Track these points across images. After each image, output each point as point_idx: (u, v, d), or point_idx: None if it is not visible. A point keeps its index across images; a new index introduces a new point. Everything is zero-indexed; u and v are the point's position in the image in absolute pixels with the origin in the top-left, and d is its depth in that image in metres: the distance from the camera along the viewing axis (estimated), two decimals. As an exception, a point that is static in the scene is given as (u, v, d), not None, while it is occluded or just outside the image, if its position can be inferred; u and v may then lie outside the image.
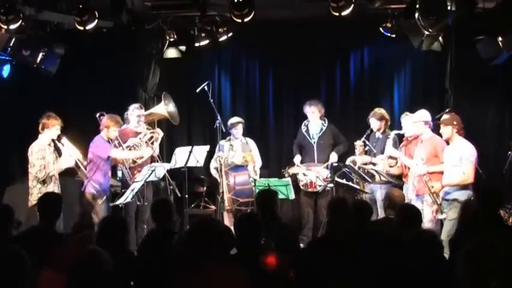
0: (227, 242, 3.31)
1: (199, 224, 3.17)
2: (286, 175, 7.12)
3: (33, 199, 6.08)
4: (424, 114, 6.26)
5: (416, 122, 6.26)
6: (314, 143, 7.32)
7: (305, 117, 7.51)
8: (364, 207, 4.72)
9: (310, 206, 7.28)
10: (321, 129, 7.35)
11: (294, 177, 7.15)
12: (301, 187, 7.13)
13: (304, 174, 7.11)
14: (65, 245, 3.39)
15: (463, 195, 5.62)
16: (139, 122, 6.96)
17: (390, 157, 6.62)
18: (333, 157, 7.25)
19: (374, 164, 6.75)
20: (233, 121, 7.46)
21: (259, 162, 7.53)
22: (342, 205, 4.35)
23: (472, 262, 1.93)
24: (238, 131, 7.41)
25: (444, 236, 5.33)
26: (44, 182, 6.13)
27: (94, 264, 2.62)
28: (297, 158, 7.36)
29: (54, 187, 6.21)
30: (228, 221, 7.24)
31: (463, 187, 5.69)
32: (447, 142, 5.96)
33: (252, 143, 7.55)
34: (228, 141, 7.42)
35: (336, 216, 4.21)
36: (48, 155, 6.21)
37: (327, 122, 7.40)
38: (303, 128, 7.45)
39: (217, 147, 7.29)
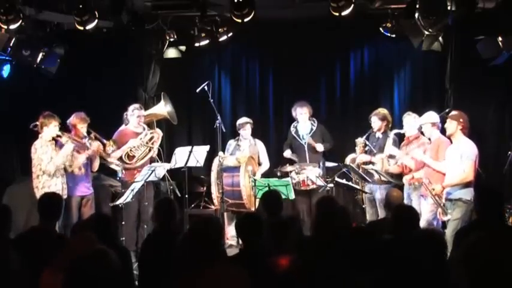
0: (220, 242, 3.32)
1: (197, 225, 3.17)
2: (278, 174, 7.13)
3: (39, 193, 6.09)
4: (432, 116, 6.25)
5: (424, 124, 6.26)
6: (305, 143, 7.32)
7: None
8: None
9: (305, 205, 7.27)
10: (311, 129, 7.35)
11: (287, 177, 7.14)
12: (294, 186, 7.10)
13: (297, 173, 7.10)
14: (66, 245, 3.39)
15: (466, 194, 5.60)
16: (140, 122, 6.96)
17: (390, 156, 6.62)
18: (319, 147, 7.25)
19: (373, 164, 6.75)
20: (241, 121, 7.47)
21: (266, 164, 7.53)
22: (330, 205, 4.36)
23: (471, 260, 1.92)
24: (246, 131, 7.41)
25: (448, 235, 5.32)
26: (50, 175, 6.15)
27: (101, 263, 2.62)
28: (287, 152, 7.37)
29: (59, 177, 6.21)
30: (227, 221, 7.26)
31: (466, 186, 5.67)
32: (450, 138, 5.95)
33: (260, 145, 7.55)
34: (236, 140, 7.43)
35: (323, 216, 4.22)
36: (51, 151, 6.23)
37: (316, 122, 7.40)
38: (292, 130, 7.45)
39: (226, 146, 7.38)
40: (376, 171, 6.62)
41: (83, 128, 6.45)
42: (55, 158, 6.20)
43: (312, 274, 3.01)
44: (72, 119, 6.47)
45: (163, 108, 7.33)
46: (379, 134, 6.93)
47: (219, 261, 2.99)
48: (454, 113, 5.97)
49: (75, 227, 4.81)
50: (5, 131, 7.82)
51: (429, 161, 6.06)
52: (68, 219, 6.27)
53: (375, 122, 6.89)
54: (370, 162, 6.79)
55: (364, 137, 6.89)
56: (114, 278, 2.59)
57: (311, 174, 7.01)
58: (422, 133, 6.47)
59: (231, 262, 3.56)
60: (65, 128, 6.46)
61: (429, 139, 6.35)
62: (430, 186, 5.81)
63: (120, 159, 6.77)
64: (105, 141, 6.45)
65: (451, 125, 5.82)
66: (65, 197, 6.26)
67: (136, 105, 7.03)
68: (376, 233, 3.49)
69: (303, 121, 7.34)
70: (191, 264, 2.99)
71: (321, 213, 4.32)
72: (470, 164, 5.68)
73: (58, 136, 6.27)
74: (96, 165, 6.65)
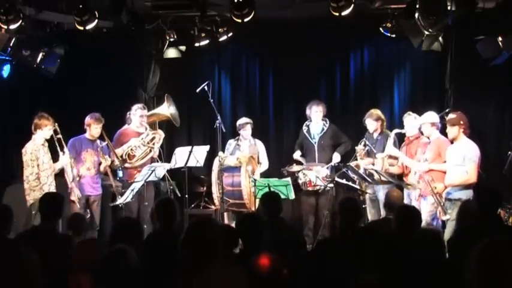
0: (225, 242, 3.30)
1: (194, 225, 3.17)
2: (285, 173, 7.12)
3: (30, 198, 6.12)
4: (431, 116, 6.25)
5: (424, 123, 6.25)
6: (315, 143, 7.32)
7: (305, 117, 7.51)
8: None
9: (310, 206, 7.27)
10: (322, 129, 7.35)
11: (294, 177, 7.15)
12: (300, 186, 7.12)
13: (304, 174, 7.11)
14: (70, 246, 3.41)
15: (466, 195, 5.59)
16: (142, 122, 6.97)
17: (390, 156, 6.62)
18: (336, 158, 7.23)
19: (373, 164, 6.75)
20: (241, 122, 7.46)
21: (265, 165, 7.53)
22: (353, 205, 4.37)
23: (487, 262, 1.91)
24: (246, 131, 7.40)
25: (447, 235, 5.33)
26: (39, 182, 6.15)
27: (122, 262, 2.64)
28: (297, 153, 7.36)
29: (52, 182, 6.26)
30: (227, 221, 7.25)
31: (466, 187, 5.66)
32: (452, 142, 5.94)
33: (260, 145, 7.55)
34: (236, 140, 7.43)
35: (347, 216, 4.23)
36: (43, 155, 6.23)
37: (328, 122, 7.40)
38: (304, 129, 7.45)
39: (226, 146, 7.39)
40: (376, 171, 6.61)
41: (97, 128, 6.50)
42: (43, 167, 6.18)
43: (325, 274, 3.01)
44: (87, 120, 6.54)
45: (166, 110, 7.33)
46: (376, 135, 6.94)
47: (218, 261, 2.99)
48: (452, 116, 5.95)
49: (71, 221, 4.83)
50: (5, 131, 7.81)
51: (436, 166, 6.03)
52: None
53: (370, 124, 6.90)
54: (372, 164, 6.79)
55: (363, 142, 6.90)
56: (133, 275, 2.61)
57: (311, 175, 7.01)
58: (422, 133, 6.48)
59: (229, 261, 3.56)
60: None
61: (428, 138, 6.35)
62: (432, 184, 5.81)
63: (121, 158, 6.78)
64: (114, 158, 6.56)
65: (453, 130, 5.82)
66: None
67: (140, 105, 7.08)
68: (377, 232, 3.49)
69: (316, 120, 7.33)
70: (189, 264, 2.99)
71: (345, 214, 4.33)
72: (474, 166, 5.67)
73: (60, 148, 6.26)
74: (103, 166, 6.68)
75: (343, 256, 2.75)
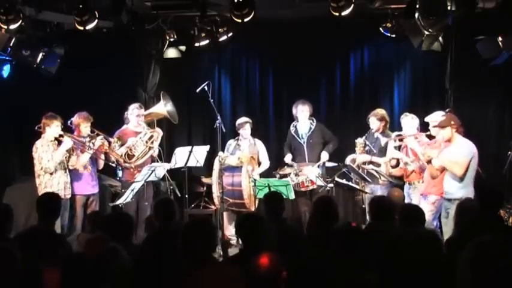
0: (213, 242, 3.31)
1: (192, 225, 3.18)
2: (277, 176, 7.12)
3: (42, 192, 6.11)
4: (439, 116, 6.24)
5: (432, 123, 6.24)
6: (304, 142, 7.31)
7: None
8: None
9: (306, 206, 7.25)
10: (310, 128, 7.34)
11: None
12: (293, 187, 7.09)
13: (296, 175, 7.09)
14: (64, 246, 3.43)
15: (465, 194, 5.58)
16: (140, 121, 6.97)
17: (392, 158, 6.62)
18: (324, 156, 7.23)
19: (376, 165, 6.73)
20: (240, 121, 7.47)
21: (266, 164, 7.53)
22: (326, 204, 4.37)
23: (477, 261, 1.91)
24: (246, 131, 7.41)
25: (446, 235, 5.32)
26: (51, 173, 6.17)
27: (113, 261, 2.65)
28: (288, 157, 7.36)
29: (61, 176, 6.25)
30: (227, 221, 7.26)
31: (465, 186, 5.64)
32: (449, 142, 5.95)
33: (260, 144, 7.55)
34: (236, 140, 7.43)
35: (319, 215, 4.23)
36: (52, 151, 6.26)
37: (315, 121, 7.39)
38: (292, 129, 7.44)
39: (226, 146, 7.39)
40: (376, 171, 6.61)
41: (86, 127, 6.47)
42: (54, 156, 6.22)
43: (305, 273, 3.01)
44: (75, 119, 6.50)
45: (162, 108, 7.34)
46: (377, 134, 6.93)
47: (215, 261, 3.00)
48: (442, 119, 5.94)
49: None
50: (5, 131, 7.82)
51: (405, 157, 6.06)
52: (72, 218, 6.30)
53: (374, 123, 6.89)
54: (371, 162, 6.78)
55: (364, 137, 6.89)
56: (124, 275, 2.62)
57: (310, 175, 7.00)
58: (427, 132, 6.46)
59: (230, 262, 3.56)
60: (67, 128, 6.48)
61: (429, 137, 6.33)
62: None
63: (120, 157, 6.78)
64: (110, 138, 6.49)
65: (446, 132, 5.81)
66: (68, 196, 6.31)
67: (136, 105, 7.06)
68: (376, 232, 3.50)
69: (303, 119, 7.33)
70: (187, 263, 3.00)
71: (318, 212, 4.34)
72: (464, 160, 5.65)
73: (60, 136, 6.29)
74: (101, 163, 6.67)
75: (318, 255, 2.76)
